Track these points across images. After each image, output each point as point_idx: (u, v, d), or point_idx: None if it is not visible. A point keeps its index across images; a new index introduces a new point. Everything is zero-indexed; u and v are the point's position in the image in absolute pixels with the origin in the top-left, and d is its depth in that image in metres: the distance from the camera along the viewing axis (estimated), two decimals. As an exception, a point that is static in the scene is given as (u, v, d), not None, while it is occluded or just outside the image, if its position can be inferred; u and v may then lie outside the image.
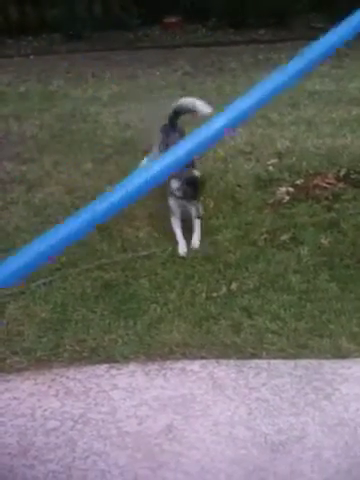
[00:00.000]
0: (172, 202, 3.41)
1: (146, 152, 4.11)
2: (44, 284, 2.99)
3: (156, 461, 2.00)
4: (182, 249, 3.24)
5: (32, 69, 7.63)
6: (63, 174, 4.34)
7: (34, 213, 3.76)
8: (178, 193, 3.34)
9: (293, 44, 8.51)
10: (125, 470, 1.97)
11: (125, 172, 4.71)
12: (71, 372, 2.42)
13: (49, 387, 2.35)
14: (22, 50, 8.92)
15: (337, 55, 7.70)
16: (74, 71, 7.51)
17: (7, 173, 4.40)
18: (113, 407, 2.24)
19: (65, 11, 9.11)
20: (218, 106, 5.95)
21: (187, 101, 3.85)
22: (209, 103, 5.98)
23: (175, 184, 3.32)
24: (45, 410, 2.23)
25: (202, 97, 6.06)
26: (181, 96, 6.12)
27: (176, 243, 3.28)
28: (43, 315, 2.78)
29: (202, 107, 3.74)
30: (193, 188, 3.31)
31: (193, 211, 3.38)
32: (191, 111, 3.78)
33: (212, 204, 3.70)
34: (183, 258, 3.18)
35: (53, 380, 2.38)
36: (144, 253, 3.23)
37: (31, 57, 8.55)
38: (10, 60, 8.27)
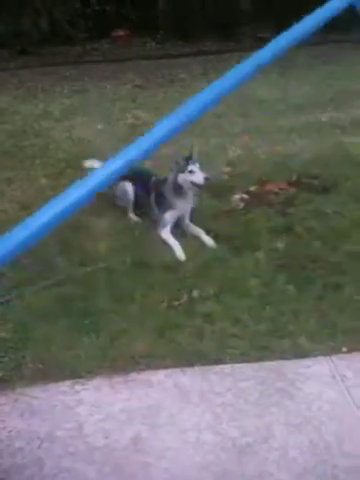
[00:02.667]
0: (167, 215, 3.50)
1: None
2: (1, 303, 2.94)
3: (125, 473, 1.99)
4: (180, 255, 3.29)
5: (-20, 86, 7.52)
6: (16, 191, 4.28)
7: (-12, 232, 3.68)
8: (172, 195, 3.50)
9: (240, 54, 8.71)
10: (94, 485, 1.96)
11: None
12: (35, 391, 2.38)
13: (13, 407, 2.31)
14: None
15: (284, 64, 7.97)
16: (23, 87, 7.45)
17: None
18: (79, 423, 2.21)
19: (11, 27, 9.03)
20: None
21: None
22: (161, 114, 6.05)
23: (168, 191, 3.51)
24: (10, 431, 2.19)
25: (154, 109, 6.16)
26: (132, 108, 6.21)
27: (169, 250, 3.33)
28: (3, 334, 2.73)
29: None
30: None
31: (188, 213, 3.53)
32: None
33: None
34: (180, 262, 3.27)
35: (16, 400, 2.34)
36: (103, 266, 3.22)
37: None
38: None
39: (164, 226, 3.49)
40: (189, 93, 7.22)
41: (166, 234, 3.46)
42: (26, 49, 9.15)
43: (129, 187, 3.73)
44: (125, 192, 3.74)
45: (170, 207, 3.53)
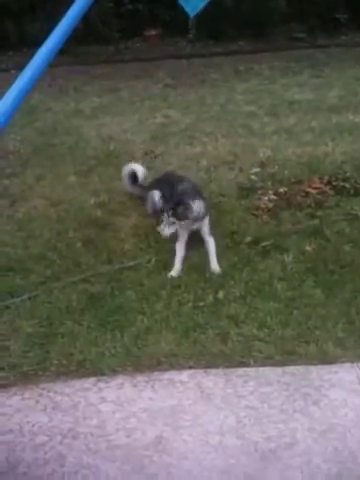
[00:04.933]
0: (178, 227, 3.22)
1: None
2: (29, 298, 2.97)
3: (146, 473, 1.99)
4: (176, 272, 3.13)
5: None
6: (46, 188, 4.33)
7: (18, 227, 3.74)
8: (173, 218, 3.18)
9: (273, 54, 8.64)
10: (115, 483, 1.96)
11: (109, 183, 4.76)
12: (58, 386, 2.40)
13: (37, 402, 2.33)
14: (3, 65, 8.91)
15: (316, 64, 7.87)
16: (56, 85, 7.53)
17: (-10, 188, 4.38)
18: (102, 420, 2.22)
19: (46, 25, 9.13)
20: (199, 116, 6.01)
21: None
22: (191, 114, 6.04)
23: (167, 211, 3.19)
24: (33, 425, 2.21)
25: (184, 108, 6.15)
26: (163, 108, 6.23)
27: (172, 264, 3.17)
28: (29, 330, 2.76)
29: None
30: (183, 207, 3.17)
31: (205, 228, 3.27)
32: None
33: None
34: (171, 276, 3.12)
35: (40, 395, 2.36)
36: (130, 264, 3.23)
37: (12, 72, 8.52)
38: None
39: (177, 240, 3.27)
40: (220, 93, 7.28)
41: (177, 248, 3.25)
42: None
43: (156, 196, 3.51)
44: (153, 202, 3.54)
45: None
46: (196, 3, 2.07)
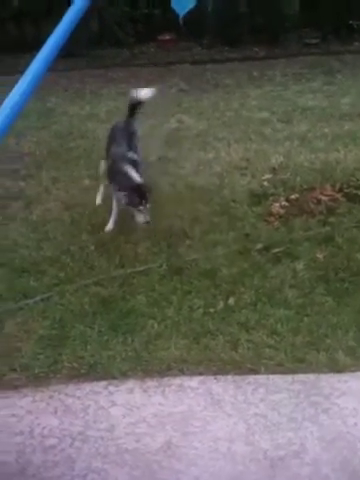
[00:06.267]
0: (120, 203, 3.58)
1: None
2: (42, 300, 3.00)
3: (155, 478, 2.00)
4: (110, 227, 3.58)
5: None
6: (61, 190, 4.37)
7: (32, 229, 3.77)
8: (125, 201, 3.47)
9: (286, 61, 8.64)
10: (124, 487, 1.97)
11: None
12: (69, 389, 2.42)
13: (47, 404, 2.35)
14: (20, 67, 8.97)
15: (329, 71, 7.85)
16: (72, 88, 7.59)
17: (5, 189, 4.42)
18: (112, 424, 2.23)
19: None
20: (212, 122, 6.02)
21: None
22: (205, 119, 6.05)
23: (120, 194, 3.48)
24: (44, 428, 2.23)
25: (198, 113, 6.17)
26: (176, 112, 6.25)
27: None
28: (41, 332, 2.78)
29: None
30: (140, 196, 3.42)
31: (140, 218, 3.47)
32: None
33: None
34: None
35: (51, 397, 2.38)
36: (141, 268, 3.25)
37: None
38: (8, 77, 8.27)
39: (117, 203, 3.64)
40: (233, 99, 7.28)
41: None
42: (75, 51, 9.31)
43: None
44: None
45: None
46: (185, 4, 2.22)
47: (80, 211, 3.96)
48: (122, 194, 3.47)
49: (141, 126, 5.75)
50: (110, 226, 3.65)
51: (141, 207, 3.43)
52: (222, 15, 9.17)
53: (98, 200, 3.97)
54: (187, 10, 2.24)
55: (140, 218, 3.45)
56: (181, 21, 2.35)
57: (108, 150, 3.88)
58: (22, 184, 4.50)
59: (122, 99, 6.96)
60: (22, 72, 2.03)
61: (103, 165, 3.91)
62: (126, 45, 9.66)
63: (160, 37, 9.85)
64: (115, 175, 3.58)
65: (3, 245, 3.58)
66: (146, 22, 9.86)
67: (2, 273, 3.25)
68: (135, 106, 3.93)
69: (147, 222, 3.44)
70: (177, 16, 2.29)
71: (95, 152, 5.11)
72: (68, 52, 10.03)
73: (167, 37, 9.81)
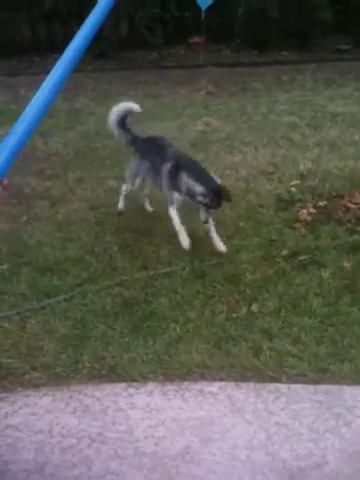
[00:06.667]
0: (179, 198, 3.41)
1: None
2: (64, 300, 3.01)
3: (173, 483, 1.98)
4: (186, 244, 3.33)
5: (58, 86, 7.78)
6: (86, 191, 4.39)
7: (57, 228, 3.80)
8: (203, 200, 3.27)
9: (317, 66, 8.56)
10: (141, 491, 1.96)
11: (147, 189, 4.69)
12: (89, 389, 2.42)
13: (67, 404, 2.35)
14: (49, 68, 9.09)
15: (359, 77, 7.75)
16: (100, 89, 7.64)
17: (31, 189, 4.46)
18: (130, 427, 2.22)
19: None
20: (239, 125, 5.97)
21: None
22: (231, 122, 6.02)
23: (200, 189, 3.26)
24: (63, 427, 2.23)
25: (225, 117, 6.15)
26: (203, 115, 6.24)
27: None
28: (63, 331, 2.79)
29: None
30: (218, 198, 3.27)
31: (204, 216, 3.34)
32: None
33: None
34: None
35: (71, 397, 2.38)
36: (164, 271, 3.24)
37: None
38: (37, 77, 8.40)
39: (171, 205, 3.48)
40: (262, 102, 7.25)
41: (174, 215, 3.45)
42: (105, 52, 9.39)
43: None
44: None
45: None
46: None
47: (105, 211, 3.98)
48: (200, 195, 3.26)
49: (168, 128, 5.78)
50: (186, 245, 3.37)
51: (216, 208, 3.35)
52: (253, 18, 9.14)
53: (121, 205, 3.91)
54: (208, 4, 2.30)
55: (204, 217, 3.35)
56: (203, 14, 2.40)
57: (148, 154, 3.77)
58: (48, 184, 4.54)
59: (149, 101, 7.01)
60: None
61: (137, 168, 3.79)
62: (155, 47, 9.70)
63: (190, 39, 9.86)
64: (188, 177, 3.34)
65: (27, 243, 3.61)
66: (176, 24, 9.88)
67: (26, 272, 3.28)
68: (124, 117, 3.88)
69: (206, 222, 3.37)
70: (200, 12, 2.33)
71: (121, 153, 5.13)
72: (97, 54, 10.18)
73: (197, 40, 9.82)
